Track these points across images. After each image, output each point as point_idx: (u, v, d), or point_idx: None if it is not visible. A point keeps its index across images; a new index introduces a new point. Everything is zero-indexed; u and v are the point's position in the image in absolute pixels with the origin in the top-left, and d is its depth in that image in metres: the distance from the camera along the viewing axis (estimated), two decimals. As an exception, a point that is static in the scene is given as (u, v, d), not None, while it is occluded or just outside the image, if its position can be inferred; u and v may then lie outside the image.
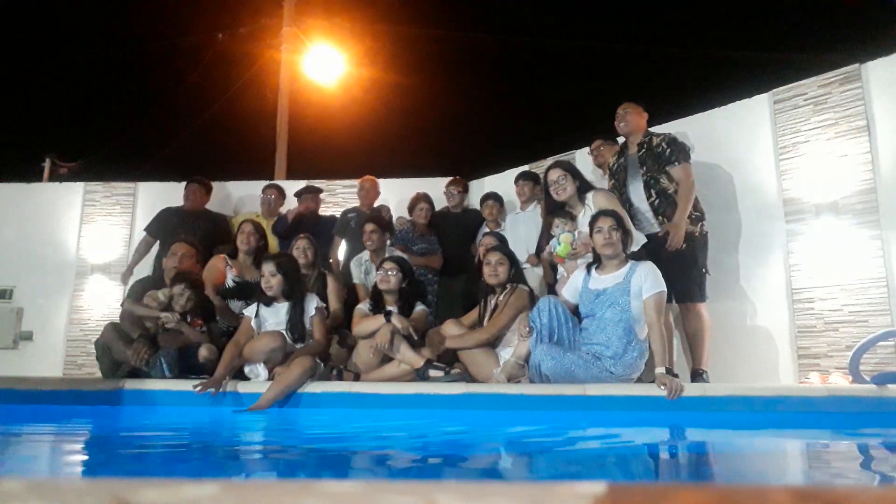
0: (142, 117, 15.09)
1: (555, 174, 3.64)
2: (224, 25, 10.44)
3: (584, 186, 3.66)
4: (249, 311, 3.37)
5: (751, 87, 4.42)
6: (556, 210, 3.65)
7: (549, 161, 5.32)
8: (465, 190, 5.08)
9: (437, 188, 5.12)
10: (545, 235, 3.76)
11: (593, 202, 3.55)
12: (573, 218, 3.58)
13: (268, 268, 3.36)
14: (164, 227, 4.82)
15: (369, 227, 4.20)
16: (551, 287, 4.14)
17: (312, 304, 3.44)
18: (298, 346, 3.33)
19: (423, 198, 4.82)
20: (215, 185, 5.27)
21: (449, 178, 5.10)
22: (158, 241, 4.90)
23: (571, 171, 3.67)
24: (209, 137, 13.35)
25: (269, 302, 3.36)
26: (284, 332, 3.29)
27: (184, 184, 5.08)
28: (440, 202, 5.06)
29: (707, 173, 4.19)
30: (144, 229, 5.01)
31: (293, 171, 8.97)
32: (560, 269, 3.64)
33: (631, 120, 3.89)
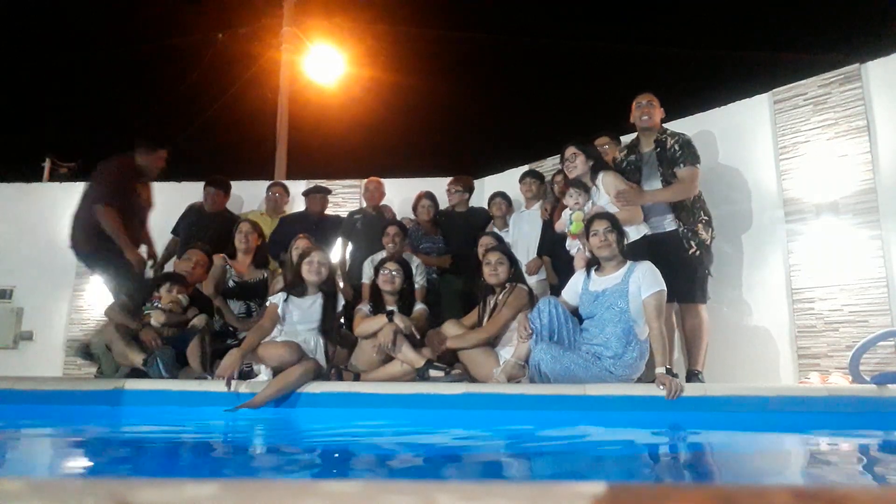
0: (142, 117, 15.07)
1: (568, 152, 3.69)
2: (224, 25, 10.44)
3: (597, 166, 3.66)
4: (277, 297, 3.34)
5: (751, 87, 4.42)
6: (571, 182, 3.65)
7: (550, 161, 5.33)
8: (467, 189, 5.01)
9: (439, 187, 5.10)
10: (558, 211, 3.77)
11: (602, 182, 3.57)
12: (587, 189, 3.59)
13: (319, 256, 3.37)
14: (186, 226, 4.85)
15: (392, 230, 4.21)
16: (554, 288, 4.14)
17: (341, 301, 3.51)
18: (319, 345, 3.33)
19: (426, 195, 4.82)
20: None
21: (451, 178, 5.07)
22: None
23: (584, 150, 3.67)
24: (209, 137, 13.34)
25: (302, 291, 3.35)
26: (312, 325, 3.32)
27: (183, 184, 5.08)
28: (444, 202, 5.05)
29: (707, 173, 4.18)
30: (171, 231, 5.00)
31: (293, 171, 8.97)
32: (575, 244, 3.62)
33: (654, 114, 3.76)
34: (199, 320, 3.58)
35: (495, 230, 4.67)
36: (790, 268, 3.99)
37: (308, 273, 3.32)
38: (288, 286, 3.40)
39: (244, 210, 5.56)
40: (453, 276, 4.61)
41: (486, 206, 4.93)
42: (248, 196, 5.79)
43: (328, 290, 3.38)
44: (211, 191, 4.90)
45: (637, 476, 1.67)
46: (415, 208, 4.85)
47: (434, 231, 4.78)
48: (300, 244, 4.04)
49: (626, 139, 4.47)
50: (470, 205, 5.07)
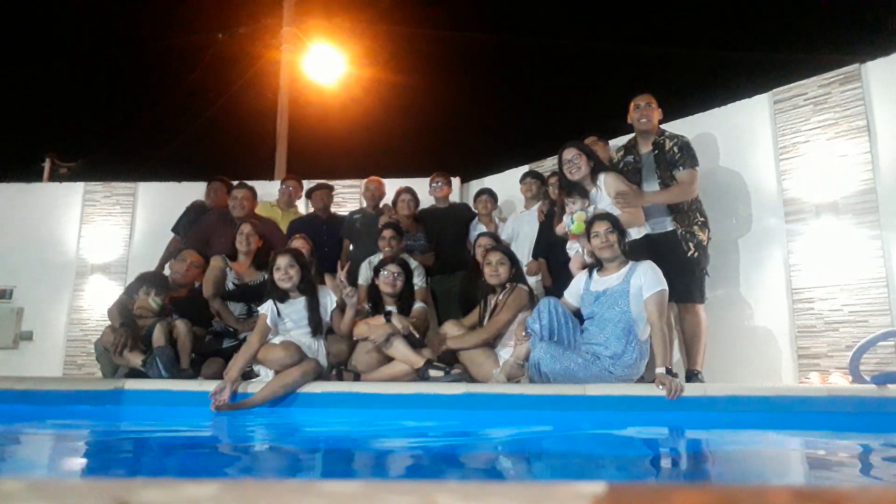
0: (142, 117, 15.08)
1: (569, 153, 3.60)
2: (224, 25, 10.46)
3: (597, 167, 3.63)
4: (264, 308, 3.30)
5: (751, 87, 4.42)
6: (569, 187, 3.59)
7: (550, 161, 5.32)
8: (449, 183, 5.02)
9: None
10: (558, 216, 3.71)
11: (604, 183, 3.54)
12: (587, 194, 3.55)
13: (284, 260, 3.31)
14: (189, 225, 4.82)
15: (388, 233, 4.17)
16: (548, 290, 4.13)
17: (328, 297, 3.43)
18: (315, 340, 3.33)
19: (406, 190, 4.78)
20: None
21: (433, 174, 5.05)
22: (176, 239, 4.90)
23: (585, 151, 3.62)
24: (209, 137, 13.36)
25: (283, 297, 3.32)
26: (306, 328, 3.29)
27: (183, 184, 5.07)
28: (427, 202, 5.04)
29: (707, 174, 4.18)
30: (172, 230, 4.97)
31: (293, 171, 8.94)
32: (575, 246, 3.59)
33: (652, 116, 3.75)
34: (158, 334, 3.45)
35: (482, 227, 4.65)
36: (790, 268, 3.99)
37: (279, 281, 3.29)
38: (269, 293, 3.38)
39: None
40: (444, 276, 4.56)
41: (471, 203, 4.91)
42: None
43: (306, 289, 3.35)
44: (216, 185, 4.89)
45: (637, 476, 1.67)
46: (394, 203, 4.81)
47: (414, 227, 4.72)
48: (296, 244, 4.03)
49: (617, 140, 4.47)
50: (452, 201, 5.04)
